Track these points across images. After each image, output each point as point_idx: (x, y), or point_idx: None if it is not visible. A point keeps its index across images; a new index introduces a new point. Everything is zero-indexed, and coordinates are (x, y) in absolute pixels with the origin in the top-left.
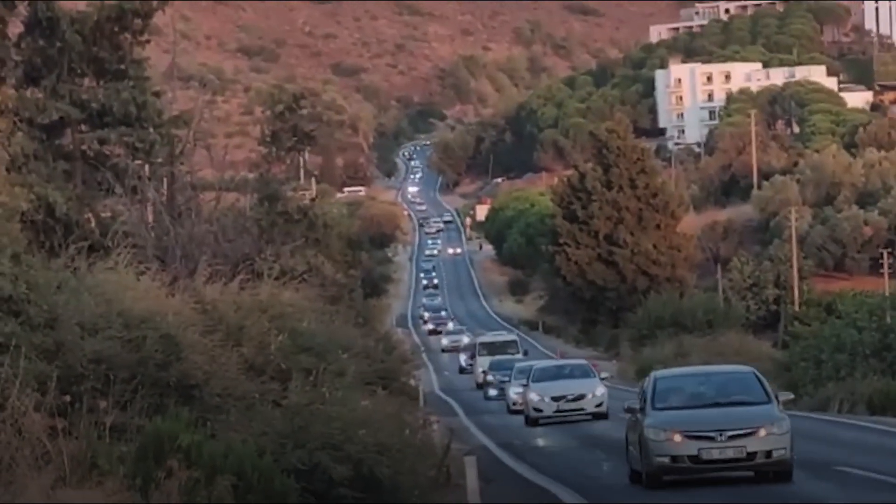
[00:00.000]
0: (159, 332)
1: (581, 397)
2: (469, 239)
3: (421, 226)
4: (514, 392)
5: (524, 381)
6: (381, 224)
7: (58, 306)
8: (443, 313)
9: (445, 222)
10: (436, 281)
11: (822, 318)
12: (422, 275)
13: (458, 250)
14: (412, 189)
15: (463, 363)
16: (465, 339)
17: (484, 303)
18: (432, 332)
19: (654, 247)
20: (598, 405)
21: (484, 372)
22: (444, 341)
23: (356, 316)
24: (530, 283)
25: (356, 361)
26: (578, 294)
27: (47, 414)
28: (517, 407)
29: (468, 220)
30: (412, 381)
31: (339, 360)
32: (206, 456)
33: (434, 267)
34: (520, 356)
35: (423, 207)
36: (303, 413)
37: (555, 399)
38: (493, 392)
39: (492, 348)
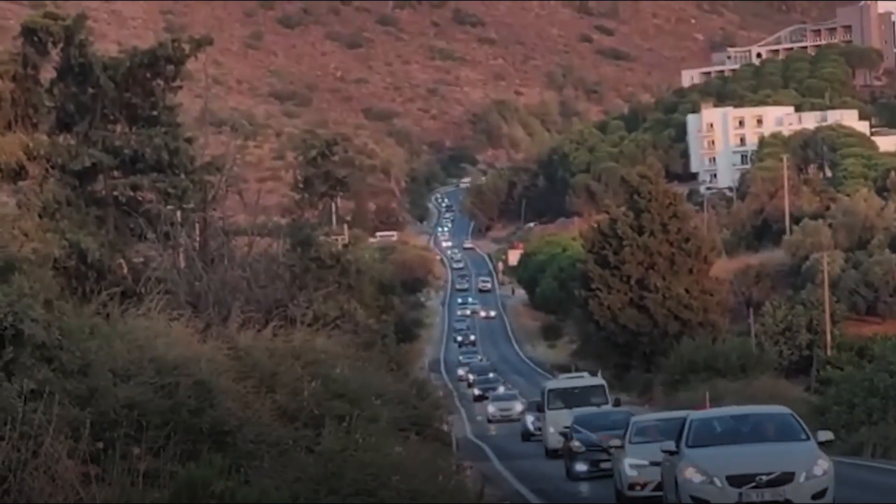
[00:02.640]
0: (192, 379)
1: (785, 480)
2: (501, 283)
3: (462, 276)
4: (630, 465)
5: (659, 447)
6: (413, 269)
7: (90, 352)
8: (491, 375)
9: (482, 289)
10: (472, 337)
11: (854, 363)
12: (457, 336)
13: (493, 314)
14: (444, 234)
15: (530, 426)
16: (519, 407)
17: (516, 348)
18: (479, 399)
19: (687, 291)
20: (818, 495)
21: (565, 434)
22: (491, 409)
23: (389, 361)
24: (563, 327)
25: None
26: (611, 339)
27: (80, 461)
28: (640, 492)
29: (500, 265)
30: (445, 427)
31: (372, 405)
32: (239, 502)
33: (468, 326)
34: (613, 407)
35: (458, 256)
36: (336, 459)
37: (737, 480)
38: (582, 467)
39: (569, 397)
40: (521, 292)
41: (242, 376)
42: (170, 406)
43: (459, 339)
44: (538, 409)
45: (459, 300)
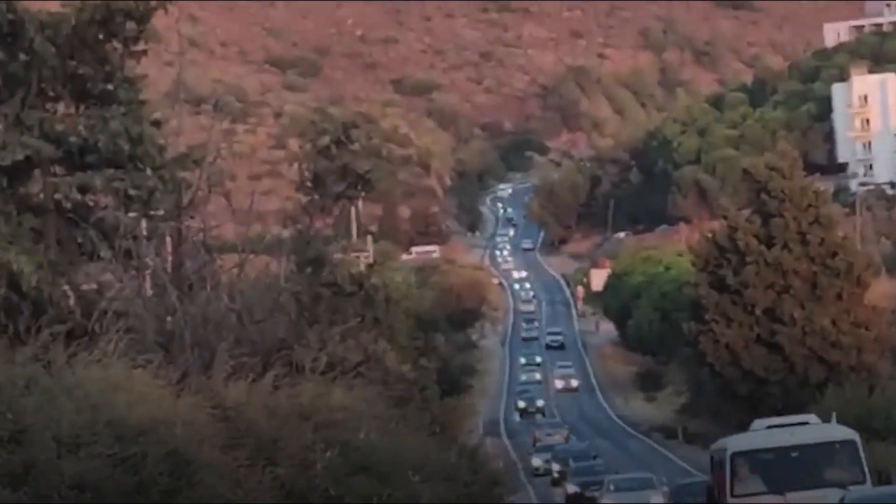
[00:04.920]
0: (164, 448)
1: None
2: (582, 315)
3: (530, 319)
4: None
5: None
6: (462, 297)
7: (26, 413)
8: (595, 460)
9: (551, 345)
10: (539, 403)
11: None
12: (519, 402)
13: (574, 383)
14: (504, 248)
15: None
16: (656, 500)
17: (603, 402)
18: (576, 499)
19: (834, 324)
20: None
21: None
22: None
23: (431, 422)
24: (665, 374)
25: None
26: (731, 388)
27: None
28: None
29: (580, 291)
30: None
31: (407, 482)
32: None
33: (532, 398)
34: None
35: (522, 274)
36: None
37: None
38: None
39: (778, 469)
40: (607, 327)
41: (232, 444)
42: (135, 485)
43: (522, 404)
44: (710, 496)
45: (523, 359)
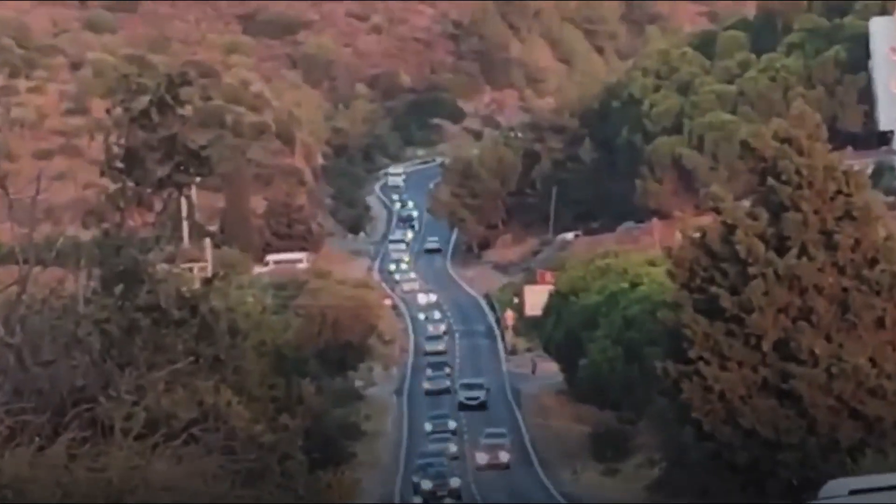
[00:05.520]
0: None
1: None
2: (512, 352)
3: (437, 364)
4: None
5: None
6: (340, 326)
7: None
8: None
9: (467, 404)
10: (454, 483)
11: None
12: (420, 482)
13: (504, 457)
14: (399, 254)
15: None
16: None
17: (543, 476)
18: None
19: (872, 363)
20: None
21: None
22: None
23: None
24: (632, 436)
25: None
26: (726, 456)
27: None
28: None
29: (509, 317)
30: None
31: None
32: None
33: (443, 475)
34: None
35: (429, 297)
36: None
37: None
38: None
39: None
40: (549, 368)
41: None
42: None
43: (429, 485)
44: None
45: (429, 425)
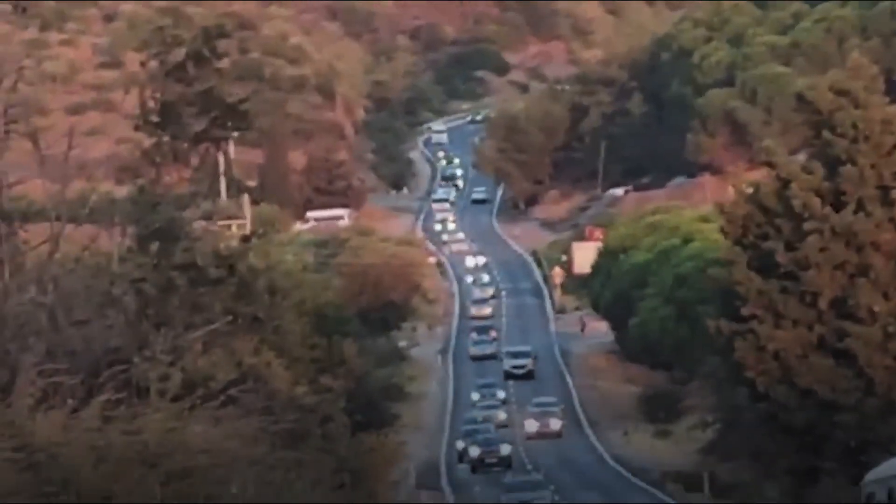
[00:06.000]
0: None
1: None
2: (561, 311)
3: (482, 326)
4: None
5: None
6: (383, 285)
7: None
8: None
9: (513, 373)
10: (506, 451)
11: None
12: (467, 447)
13: (556, 425)
14: (444, 212)
15: None
16: None
17: (593, 439)
18: None
19: None
20: None
21: None
22: None
23: (337, 469)
24: (685, 397)
25: None
26: (781, 418)
27: None
28: None
29: (558, 274)
30: None
31: None
32: None
33: (492, 442)
34: None
35: (477, 259)
36: None
37: None
38: None
39: None
40: (598, 327)
41: (44, 501)
42: None
43: (477, 451)
44: None
45: (476, 394)
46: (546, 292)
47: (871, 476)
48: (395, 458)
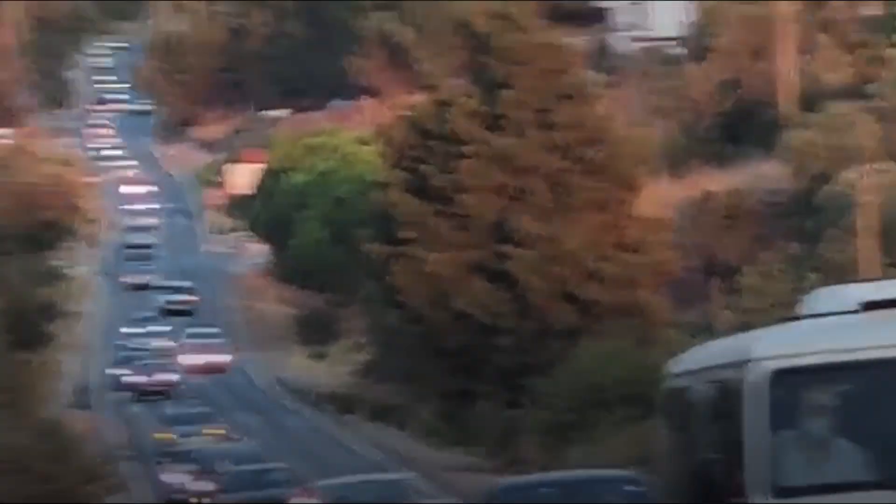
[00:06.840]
0: None
1: None
2: (217, 233)
3: (140, 246)
4: None
5: None
6: (42, 204)
7: None
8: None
9: (173, 310)
10: (174, 377)
11: None
12: (121, 375)
13: (224, 359)
14: (105, 132)
15: None
16: None
17: (250, 361)
18: None
19: (592, 245)
20: None
21: None
22: None
23: None
24: (340, 320)
25: None
26: (436, 341)
27: None
28: None
29: (213, 195)
30: None
31: None
32: None
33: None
34: None
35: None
36: None
37: None
38: None
39: None
40: (258, 249)
41: None
42: None
43: (132, 377)
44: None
45: (134, 326)
46: (203, 214)
47: (677, 367)
48: (53, 376)
